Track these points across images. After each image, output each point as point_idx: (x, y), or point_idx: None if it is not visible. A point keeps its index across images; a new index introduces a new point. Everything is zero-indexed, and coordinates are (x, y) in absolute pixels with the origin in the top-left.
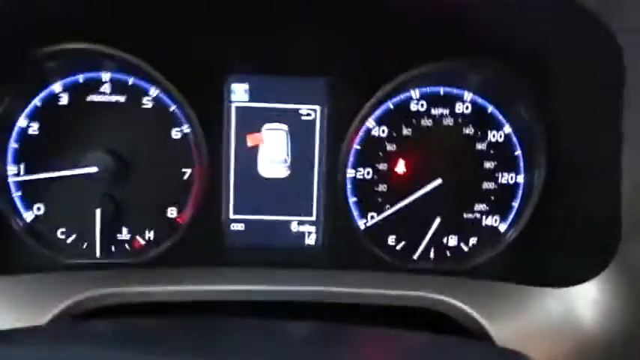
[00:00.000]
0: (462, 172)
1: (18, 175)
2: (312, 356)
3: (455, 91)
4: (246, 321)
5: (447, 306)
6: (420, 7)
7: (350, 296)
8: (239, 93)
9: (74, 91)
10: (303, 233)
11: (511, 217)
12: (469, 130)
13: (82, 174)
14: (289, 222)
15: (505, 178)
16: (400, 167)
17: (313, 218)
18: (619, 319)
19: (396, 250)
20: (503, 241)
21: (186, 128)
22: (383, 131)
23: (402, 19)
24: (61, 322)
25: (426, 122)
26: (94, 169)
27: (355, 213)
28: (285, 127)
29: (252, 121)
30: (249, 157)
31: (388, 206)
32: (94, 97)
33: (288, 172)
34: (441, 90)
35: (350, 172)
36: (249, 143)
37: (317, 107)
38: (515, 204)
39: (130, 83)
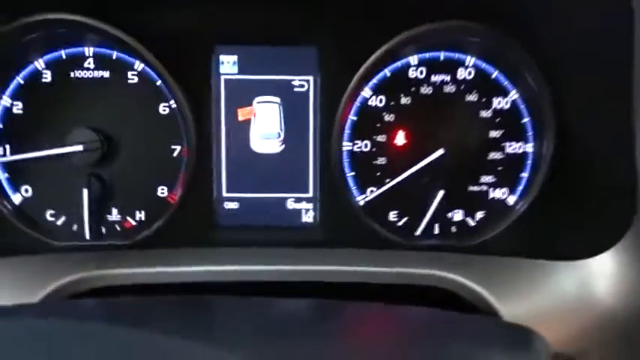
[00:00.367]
0: (466, 141)
1: (4, 155)
2: (304, 332)
3: (456, 55)
4: (238, 299)
5: (453, 283)
6: None
7: (350, 275)
8: (228, 65)
9: (57, 67)
10: (299, 211)
11: (520, 188)
12: (472, 97)
13: (67, 153)
14: (285, 199)
15: (513, 147)
16: (400, 138)
17: (310, 195)
18: (637, 293)
19: (397, 227)
20: (512, 215)
21: (173, 103)
22: (380, 100)
23: None
24: (51, 300)
25: (426, 90)
26: (79, 148)
27: (353, 188)
28: (277, 99)
29: (242, 94)
30: (240, 131)
31: (388, 180)
32: (77, 73)
33: (282, 146)
34: (441, 55)
35: (347, 145)
36: (240, 117)
37: (310, 78)
38: (525, 174)
39: (113, 58)
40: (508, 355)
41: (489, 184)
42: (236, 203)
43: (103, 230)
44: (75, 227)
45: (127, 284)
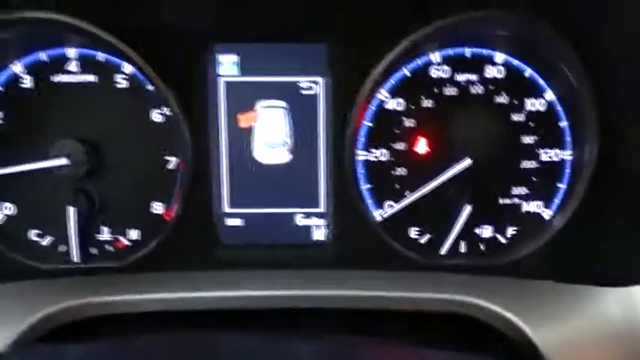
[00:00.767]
0: (496, 149)
1: None
2: None
3: (484, 51)
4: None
5: (483, 311)
6: None
7: (366, 300)
8: (227, 65)
9: (38, 71)
10: (309, 227)
11: (557, 201)
12: (503, 99)
13: (51, 167)
14: (293, 215)
15: (549, 154)
16: (421, 146)
17: (321, 210)
18: None
19: (419, 245)
20: (548, 231)
21: (167, 110)
22: (399, 104)
23: None
24: (22, 346)
25: (450, 91)
26: (64, 161)
27: (369, 202)
28: (283, 103)
29: (244, 98)
30: (242, 140)
31: (408, 193)
32: (60, 78)
33: (290, 156)
34: (467, 51)
35: (361, 154)
36: (243, 124)
37: (319, 79)
38: (562, 185)
39: (100, 60)
40: None
41: (522, 197)
42: (239, 220)
43: (93, 251)
44: (62, 248)
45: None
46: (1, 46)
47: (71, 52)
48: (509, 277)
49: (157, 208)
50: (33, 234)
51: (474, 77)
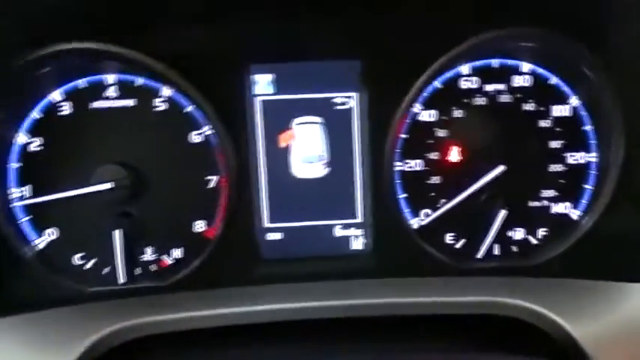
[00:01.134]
0: (525, 154)
1: (23, 198)
2: None
3: (510, 62)
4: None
5: (524, 311)
6: None
7: (409, 307)
8: (263, 85)
9: (76, 98)
10: (348, 238)
11: (584, 201)
12: (530, 106)
13: (95, 192)
14: (332, 226)
15: (575, 157)
16: (454, 155)
17: (359, 220)
18: None
19: (455, 250)
20: (577, 231)
21: (207, 130)
22: (431, 115)
23: None
24: None
25: (480, 100)
26: (107, 186)
27: (406, 211)
28: (318, 119)
29: (280, 115)
30: (280, 156)
31: (444, 201)
32: (99, 104)
33: (326, 170)
34: (495, 62)
35: (397, 165)
36: (282, 144)
37: (353, 94)
38: (588, 186)
39: (138, 84)
40: None
41: (551, 199)
42: (280, 234)
43: (138, 271)
44: (105, 270)
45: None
46: (43, 79)
47: (110, 78)
48: (542, 277)
49: (199, 226)
50: (77, 257)
51: (501, 87)
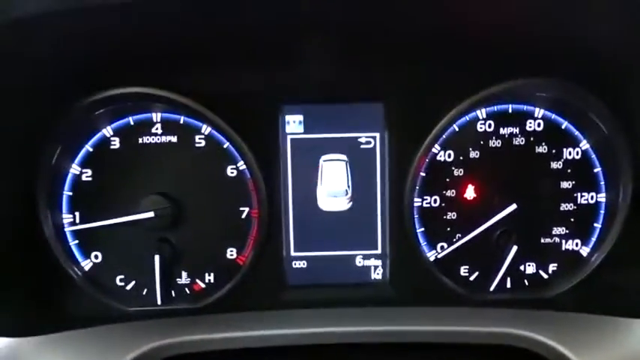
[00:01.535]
0: (538, 193)
1: (73, 223)
2: None
3: (524, 107)
4: None
5: (533, 343)
6: (484, 30)
7: (424, 335)
8: (294, 124)
9: (125, 134)
10: (368, 268)
11: (594, 239)
12: (542, 149)
13: (138, 219)
14: (353, 256)
15: (585, 197)
16: (469, 193)
17: (378, 251)
18: None
19: (469, 282)
20: (586, 267)
21: (241, 165)
22: (449, 155)
23: (464, 41)
24: None
25: (495, 143)
26: (150, 214)
27: (424, 244)
28: (344, 157)
29: (308, 152)
30: (308, 190)
31: (459, 235)
32: (145, 139)
33: (350, 204)
34: (510, 107)
35: (416, 201)
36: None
37: (376, 134)
38: (598, 225)
39: (180, 122)
40: None
41: (562, 236)
42: (304, 262)
43: (173, 293)
44: (144, 291)
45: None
46: (96, 117)
47: (156, 116)
48: (553, 312)
49: (231, 253)
50: (118, 279)
51: (516, 130)
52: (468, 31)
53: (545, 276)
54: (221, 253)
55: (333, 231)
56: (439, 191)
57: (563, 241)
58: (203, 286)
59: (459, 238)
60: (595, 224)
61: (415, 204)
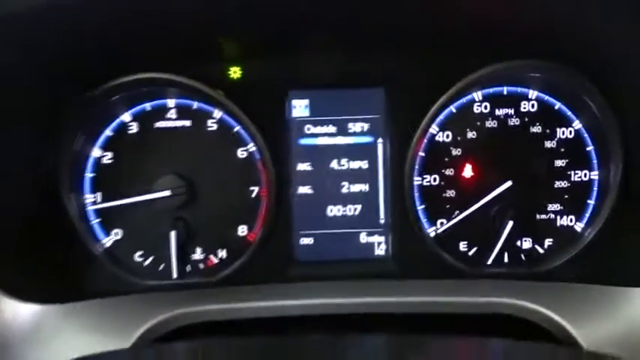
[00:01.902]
0: (532, 172)
1: (95, 203)
2: None
3: (519, 89)
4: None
5: (529, 311)
6: (481, 12)
7: (424, 306)
8: (300, 108)
9: (142, 119)
10: (372, 244)
11: (587, 215)
12: (536, 129)
13: (156, 198)
14: (358, 233)
15: (578, 175)
16: (467, 171)
17: (381, 229)
18: None
19: (468, 256)
20: (580, 242)
21: (251, 147)
22: (447, 136)
23: (463, 24)
24: (143, 346)
25: (491, 123)
26: (166, 193)
27: (424, 220)
28: (348, 139)
29: (314, 135)
30: (314, 170)
31: (458, 212)
32: (161, 124)
33: (354, 184)
34: (505, 89)
35: (416, 180)
36: None
37: (378, 116)
38: (591, 201)
39: (194, 108)
40: None
41: (556, 212)
42: (311, 239)
43: (188, 269)
44: (161, 267)
45: (214, 320)
46: (115, 102)
47: (170, 102)
48: (549, 282)
49: (242, 231)
50: (137, 255)
51: (511, 111)
52: (464, 16)
53: (541, 251)
54: (232, 230)
55: (337, 209)
56: (438, 170)
57: (558, 217)
58: (216, 261)
59: (458, 215)
60: (588, 201)
61: (415, 182)
